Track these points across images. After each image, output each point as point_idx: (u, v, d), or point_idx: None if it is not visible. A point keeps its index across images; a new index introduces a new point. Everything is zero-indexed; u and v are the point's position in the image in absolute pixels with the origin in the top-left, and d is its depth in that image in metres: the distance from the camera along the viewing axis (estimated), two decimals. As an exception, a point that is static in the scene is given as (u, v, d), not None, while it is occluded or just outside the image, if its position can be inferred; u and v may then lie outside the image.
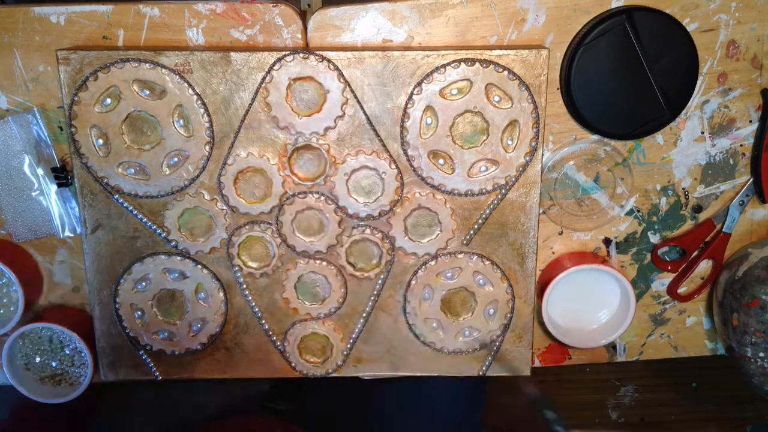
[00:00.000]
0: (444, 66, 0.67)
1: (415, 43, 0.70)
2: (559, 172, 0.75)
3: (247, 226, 0.72)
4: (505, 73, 0.68)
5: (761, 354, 0.73)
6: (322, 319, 0.76)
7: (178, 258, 0.73)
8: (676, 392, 1.70)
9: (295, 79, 0.68)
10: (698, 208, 0.77)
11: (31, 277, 0.76)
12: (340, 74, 0.68)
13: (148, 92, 0.68)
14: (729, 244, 0.78)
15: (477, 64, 0.67)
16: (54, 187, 0.74)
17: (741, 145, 0.75)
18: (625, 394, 1.69)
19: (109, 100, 0.68)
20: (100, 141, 0.69)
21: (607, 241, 0.78)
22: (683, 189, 0.76)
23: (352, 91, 0.68)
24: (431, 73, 0.68)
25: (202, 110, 0.69)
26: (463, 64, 0.67)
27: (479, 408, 1.00)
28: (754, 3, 0.70)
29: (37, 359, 0.77)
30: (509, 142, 0.70)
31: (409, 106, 0.69)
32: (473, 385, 0.96)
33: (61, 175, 0.73)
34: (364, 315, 0.76)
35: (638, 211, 0.77)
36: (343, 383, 0.79)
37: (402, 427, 0.91)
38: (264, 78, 0.68)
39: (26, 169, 0.74)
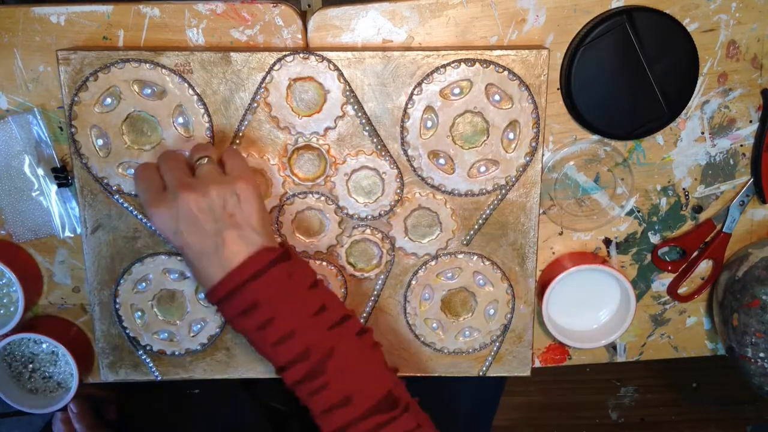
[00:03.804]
0: (444, 66, 0.67)
1: (415, 44, 0.70)
2: (560, 173, 0.75)
3: (247, 227, 0.72)
4: (506, 73, 0.68)
5: (761, 354, 0.73)
6: (322, 320, 0.75)
7: (179, 258, 0.73)
8: (676, 392, 1.70)
9: (296, 80, 0.68)
10: (698, 209, 0.77)
11: (31, 277, 0.76)
12: (340, 74, 0.68)
13: (149, 92, 0.68)
14: (729, 245, 0.78)
15: (477, 65, 0.67)
16: (54, 188, 0.74)
17: (741, 146, 0.75)
18: (625, 394, 1.70)
19: (109, 100, 0.68)
20: (100, 141, 0.69)
21: (607, 242, 0.78)
22: (683, 189, 0.76)
23: (352, 92, 0.68)
24: (431, 73, 0.68)
25: (202, 110, 0.68)
26: (463, 65, 0.67)
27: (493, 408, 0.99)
28: (754, 3, 0.70)
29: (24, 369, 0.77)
30: (509, 143, 0.70)
31: (409, 106, 0.69)
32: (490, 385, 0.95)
33: (61, 176, 0.73)
34: (364, 315, 0.76)
35: (638, 212, 0.77)
36: None
37: None
38: (264, 78, 0.68)
39: (26, 169, 0.74)
